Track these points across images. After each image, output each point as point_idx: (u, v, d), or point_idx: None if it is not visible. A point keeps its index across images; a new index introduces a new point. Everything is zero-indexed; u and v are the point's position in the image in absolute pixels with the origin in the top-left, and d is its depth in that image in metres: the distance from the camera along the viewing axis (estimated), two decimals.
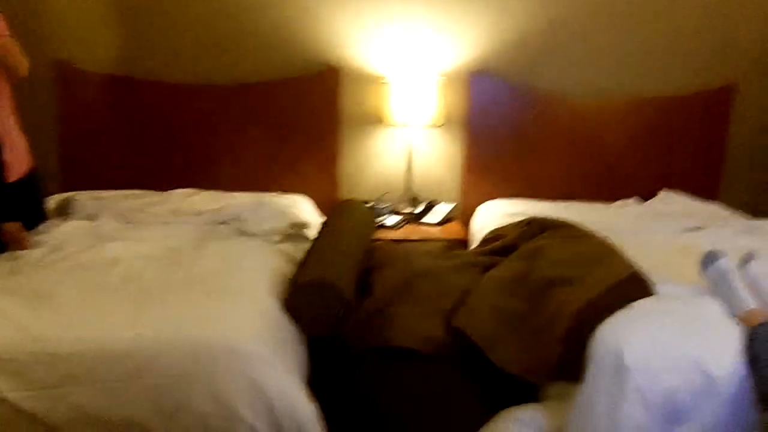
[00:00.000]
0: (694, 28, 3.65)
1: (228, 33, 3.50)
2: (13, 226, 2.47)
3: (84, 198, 3.07)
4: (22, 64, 2.57)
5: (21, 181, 2.63)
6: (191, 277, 2.20)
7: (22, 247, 2.46)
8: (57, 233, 2.64)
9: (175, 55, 3.51)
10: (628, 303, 2.06)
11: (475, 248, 2.99)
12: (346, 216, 2.75)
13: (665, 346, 1.91)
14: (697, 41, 3.67)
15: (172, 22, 3.47)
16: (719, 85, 3.68)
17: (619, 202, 3.56)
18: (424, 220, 3.54)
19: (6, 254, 2.42)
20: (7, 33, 2.50)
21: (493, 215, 3.34)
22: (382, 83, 3.56)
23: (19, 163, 2.62)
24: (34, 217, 2.77)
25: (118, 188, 3.35)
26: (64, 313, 1.94)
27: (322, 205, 3.53)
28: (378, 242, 2.88)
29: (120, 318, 1.91)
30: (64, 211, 2.96)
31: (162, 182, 3.44)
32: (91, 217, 2.88)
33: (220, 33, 3.50)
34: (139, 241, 2.58)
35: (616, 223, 3.05)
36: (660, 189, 3.63)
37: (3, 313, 1.92)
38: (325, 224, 2.70)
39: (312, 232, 2.87)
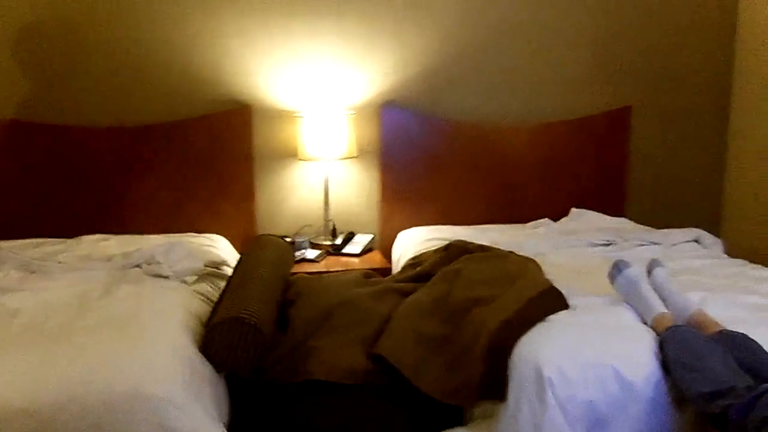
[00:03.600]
0: (590, 55, 3.84)
1: (137, 74, 3.43)
2: None
3: None
4: None
5: None
6: (100, 321, 2.07)
7: None
8: None
9: (81, 98, 3.40)
10: (545, 317, 2.10)
11: (394, 275, 3.00)
12: (261, 251, 2.70)
13: (582, 357, 1.94)
14: (593, 66, 3.85)
15: (78, 66, 3.39)
16: (618, 106, 3.86)
17: (532, 223, 3.64)
18: (345, 251, 3.52)
19: None
20: None
21: (412, 243, 3.36)
22: (295, 118, 3.56)
23: None
24: None
25: (22, 238, 3.20)
26: None
27: (240, 243, 3.48)
28: (295, 275, 2.84)
29: (21, 371, 1.78)
30: None
31: (71, 229, 3.30)
32: None
33: (129, 75, 3.43)
34: (44, 290, 2.42)
35: (531, 243, 3.11)
36: (569, 208, 3.74)
37: None
38: (239, 261, 2.64)
39: (229, 271, 2.80)
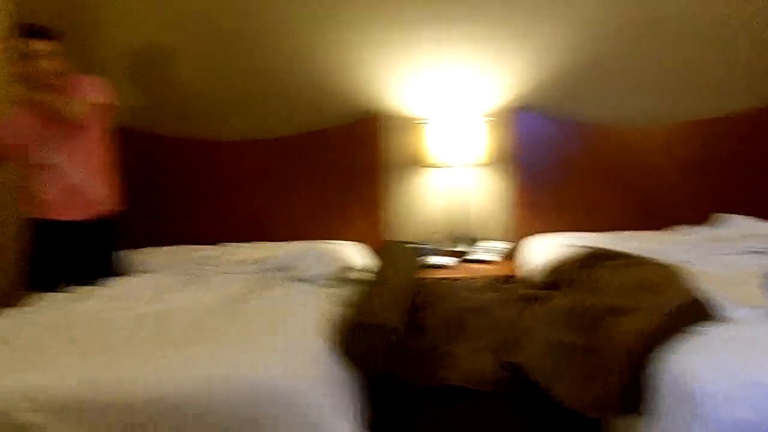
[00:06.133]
0: (732, 49, 3.55)
1: (268, 88, 3.58)
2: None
3: (145, 254, 3.16)
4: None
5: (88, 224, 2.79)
6: (245, 322, 2.24)
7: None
8: (118, 286, 2.74)
9: (220, 114, 3.61)
10: (690, 329, 1.96)
11: (525, 281, 2.91)
12: (390, 257, 2.72)
13: (741, 374, 1.79)
14: (748, 60, 3.56)
15: (217, 83, 3.58)
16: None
17: (674, 229, 3.42)
18: (473, 257, 3.47)
19: (64, 300, 2.52)
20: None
21: (544, 250, 3.22)
22: (424, 126, 3.55)
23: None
24: (100, 264, 2.87)
25: (177, 244, 3.42)
26: (126, 362, 1.97)
27: (370, 249, 3.49)
28: (424, 281, 2.83)
29: (181, 366, 1.94)
30: (128, 269, 3.02)
31: (217, 237, 3.50)
32: (152, 272, 2.98)
33: (260, 89, 3.58)
34: (198, 292, 2.67)
35: (677, 250, 2.91)
36: (711, 212, 3.47)
37: (67, 363, 1.96)
38: (370, 267, 2.67)
39: (360, 276, 2.85)
